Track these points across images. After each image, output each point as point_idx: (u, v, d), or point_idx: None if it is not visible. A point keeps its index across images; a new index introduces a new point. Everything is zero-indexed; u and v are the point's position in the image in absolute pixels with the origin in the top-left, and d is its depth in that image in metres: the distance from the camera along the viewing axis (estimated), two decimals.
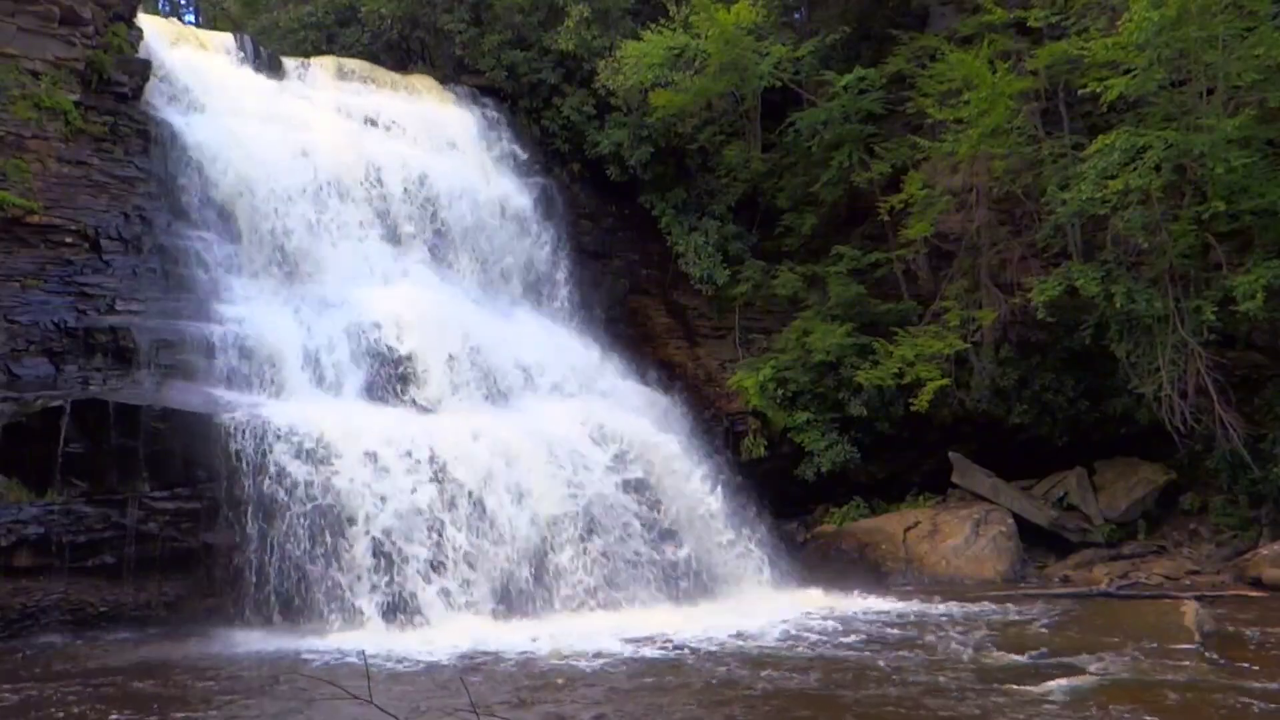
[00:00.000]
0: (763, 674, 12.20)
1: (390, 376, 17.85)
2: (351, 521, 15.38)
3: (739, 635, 14.32)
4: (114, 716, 10.72)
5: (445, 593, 15.41)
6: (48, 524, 14.67)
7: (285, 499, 15.25)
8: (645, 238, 23.82)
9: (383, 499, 15.69)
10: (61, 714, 10.81)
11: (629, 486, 17.53)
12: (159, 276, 17.09)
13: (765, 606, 16.37)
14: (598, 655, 13.19)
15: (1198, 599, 15.44)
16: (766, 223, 23.44)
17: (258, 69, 21.04)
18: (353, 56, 23.55)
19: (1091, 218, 18.60)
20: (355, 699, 6.07)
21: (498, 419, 17.73)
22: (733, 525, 18.45)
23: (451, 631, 14.40)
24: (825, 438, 21.06)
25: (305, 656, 13.30)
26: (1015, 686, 11.26)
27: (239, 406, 15.89)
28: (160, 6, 31.84)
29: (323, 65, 22.45)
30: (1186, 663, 12.28)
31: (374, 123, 21.45)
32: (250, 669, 12.75)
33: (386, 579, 15.22)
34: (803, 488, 21.46)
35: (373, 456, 15.97)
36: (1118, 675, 11.74)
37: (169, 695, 11.51)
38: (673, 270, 23.47)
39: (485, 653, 13.35)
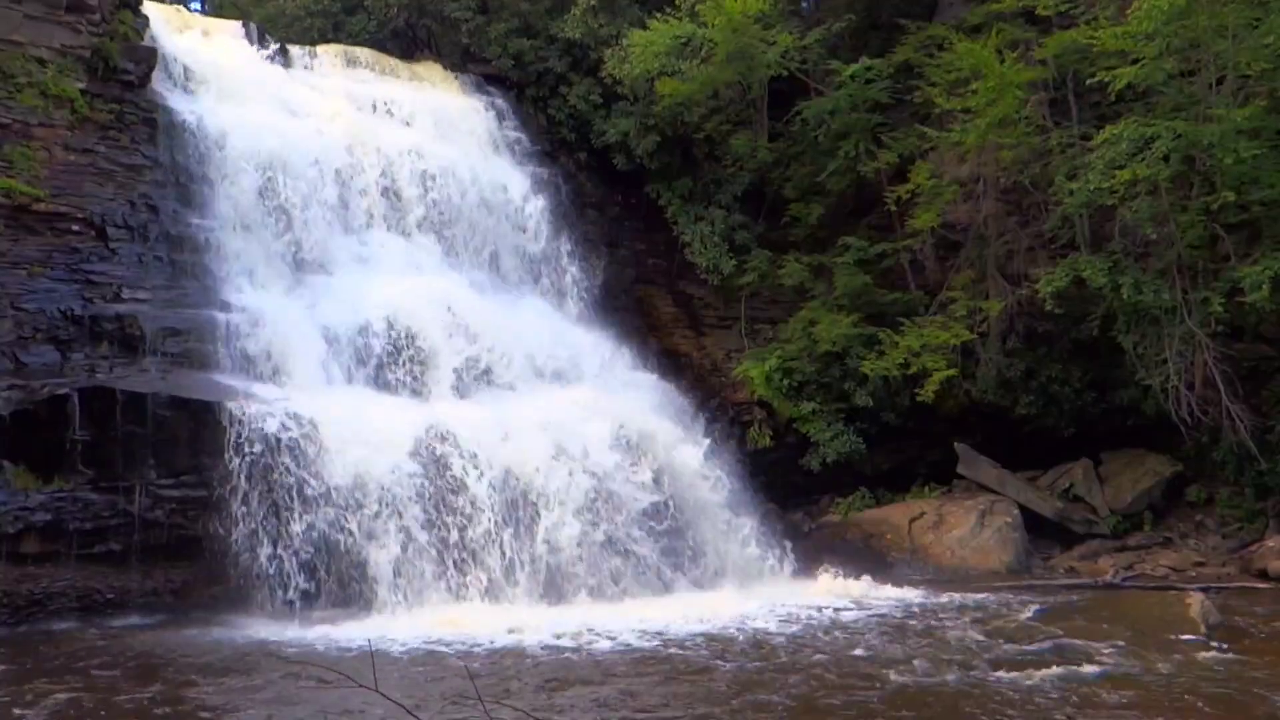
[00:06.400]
0: (768, 663, 12.22)
1: (396, 365, 17.87)
2: (356, 510, 15.42)
3: (744, 625, 14.35)
4: (123, 705, 10.77)
5: (449, 581, 15.47)
6: (55, 511, 14.76)
7: (291, 487, 15.29)
8: (651, 227, 23.79)
9: (388, 487, 15.72)
10: (72, 709, 10.86)
11: (635, 475, 17.54)
12: (165, 264, 17.12)
13: (771, 596, 16.39)
14: (601, 644, 13.23)
15: (1203, 591, 15.45)
16: (773, 212, 23.38)
17: (264, 57, 21.04)
18: (359, 44, 23.55)
19: (1099, 208, 18.52)
20: (361, 687, 6.08)
21: (504, 407, 17.75)
22: (738, 515, 18.46)
23: (457, 620, 14.42)
24: (831, 428, 21.04)
25: (310, 644, 13.35)
26: (1020, 677, 11.26)
27: (245, 395, 15.93)
28: None
29: (329, 53, 22.46)
30: (1192, 654, 12.28)
31: (381, 111, 21.44)
32: (256, 656, 12.79)
33: (391, 567, 15.26)
34: (808, 478, 21.45)
35: (379, 445, 15.99)
36: (1122, 666, 11.73)
37: (176, 682, 11.55)
38: (679, 260, 23.45)
39: (489, 642, 13.38)
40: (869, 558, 19.62)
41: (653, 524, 17.28)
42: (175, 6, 23.12)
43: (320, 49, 22.58)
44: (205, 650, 13.12)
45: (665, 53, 21.69)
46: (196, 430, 15.36)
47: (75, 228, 16.24)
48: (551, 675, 11.76)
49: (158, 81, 18.37)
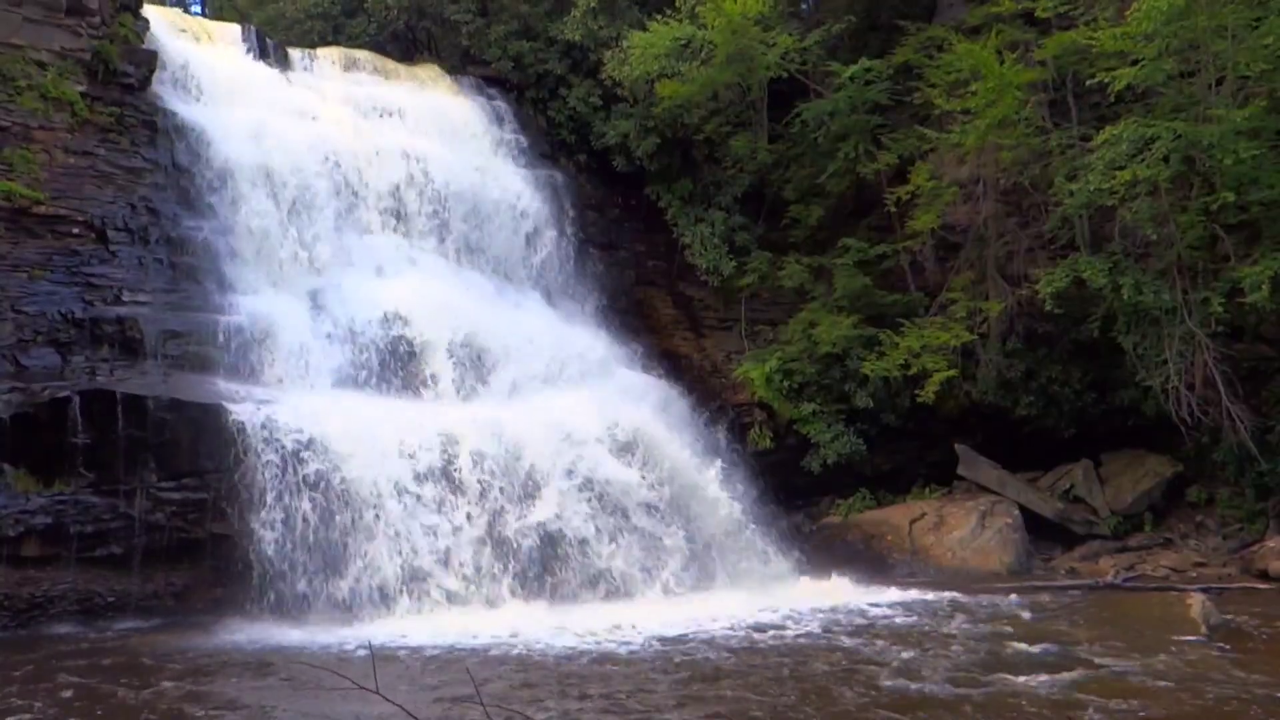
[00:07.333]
0: (770, 665, 12.22)
1: (398, 367, 17.89)
2: (358, 513, 15.42)
3: (744, 626, 14.34)
4: (124, 708, 10.77)
5: (453, 584, 15.46)
6: (55, 514, 14.77)
7: (292, 490, 15.29)
8: (651, 229, 23.81)
9: (389, 489, 15.72)
10: (72, 713, 10.86)
11: (637, 477, 17.52)
12: (166, 267, 17.13)
13: (771, 598, 16.38)
14: (605, 646, 13.23)
15: (1204, 591, 15.44)
16: (773, 214, 23.39)
17: (264, 60, 21.05)
18: (359, 47, 23.57)
19: (1099, 209, 18.52)
20: (362, 689, 6.08)
21: (505, 409, 17.76)
22: (739, 517, 18.44)
23: (460, 622, 14.44)
24: (831, 429, 21.03)
25: (312, 647, 13.35)
26: (1021, 678, 11.26)
27: (246, 397, 15.93)
28: None
29: (329, 56, 22.48)
30: (1192, 655, 12.28)
31: (380, 113, 21.45)
32: (257, 659, 12.80)
33: (393, 570, 15.26)
34: (809, 479, 21.43)
35: (380, 448, 16.00)
36: (1123, 667, 11.73)
37: (177, 685, 11.55)
38: (679, 261, 23.47)
39: (493, 642, 13.39)
40: (870, 559, 19.62)
41: (654, 526, 17.27)
42: (175, 9, 23.16)
43: (320, 51, 22.60)
44: (206, 653, 13.13)
45: (665, 54, 21.70)
46: (197, 433, 15.36)
47: (75, 230, 16.25)
48: (556, 678, 11.76)
49: (158, 84, 18.37)
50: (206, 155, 18.14)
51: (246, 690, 11.47)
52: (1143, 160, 17.08)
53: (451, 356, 18.40)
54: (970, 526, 19.61)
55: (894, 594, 16.83)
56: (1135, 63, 17.59)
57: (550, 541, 16.30)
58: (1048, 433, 20.92)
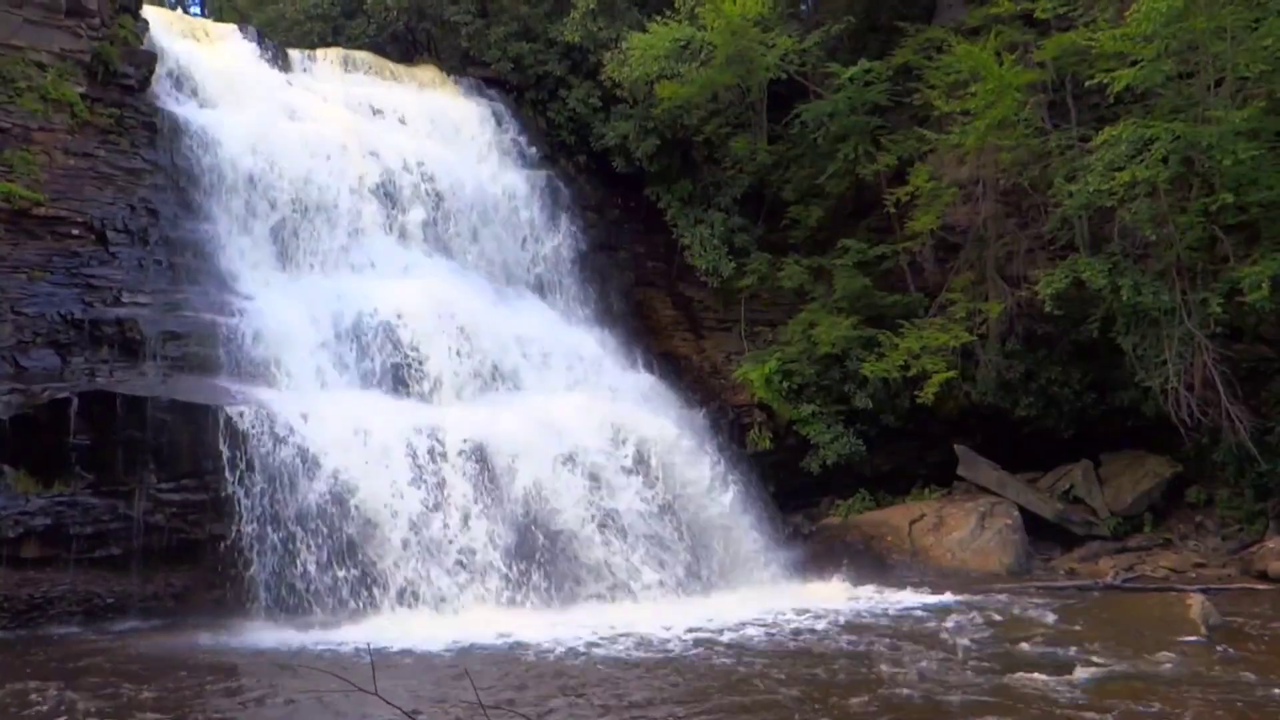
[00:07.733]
0: (771, 666, 12.22)
1: (397, 368, 17.88)
2: (357, 513, 15.42)
3: (745, 627, 14.35)
4: (123, 710, 10.77)
5: (449, 584, 15.46)
6: (55, 515, 14.76)
7: (291, 491, 15.29)
8: (651, 230, 23.80)
9: (389, 490, 15.72)
10: (72, 713, 10.86)
11: (635, 478, 17.54)
12: (165, 268, 17.11)
13: (771, 599, 16.41)
14: (602, 647, 13.23)
15: (1203, 592, 15.45)
16: (772, 215, 23.39)
17: (264, 61, 21.04)
18: (358, 48, 23.56)
19: (1099, 210, 18.52)
20: (359, 691, 6.08)
21: (504, 410, 17.74)
22: (739, 517, 18.45)
23: (457, 623, 14.44)
24: (831, 430, 21.03)
25: (310, 648, 13.36)
26: (1020, 679, 11.27)
27: (245, 398, 15.91)
28: None
29: (329, 57, 22.47)
30: (1192, 656, 12.29)
31: (380, 114, 21.45)
32: (255, 660, 12.80)
33: (393, 571, 15.26)
34: (808, 480, 21.43)
35: (379, 448, 16.01)
36: (1122, 668, 11.74)
37: (177, 687, 11.55)
38: (678, 262, 23.46)
39: (491, 644, 13.39)
40: (869, 560, 19.62)
41: (653, 527, 17.28)
42: (175, 10, 23.16)
43: (319, 52, 22.60)
44: (206, 654, 13.13)
45: (664, 56, 21.70)
46: (197, 434, 15.35)
47: (75, 232, 16.23)
48: (553, 680, 11.76)
49: (157, 85, 18.38)
50: (206, 156, 18.13)
51: (245, 690, 11.47)
52: (1142, 161, 17.10)
53: (450, 358, 18.38)
54: (970, 527, 19.62)
55: (895, 595, 16.86)
56: (1134, 64, 17.60)
57: (548, 543, 16.29)
58: (1047, 433, 20.93)
